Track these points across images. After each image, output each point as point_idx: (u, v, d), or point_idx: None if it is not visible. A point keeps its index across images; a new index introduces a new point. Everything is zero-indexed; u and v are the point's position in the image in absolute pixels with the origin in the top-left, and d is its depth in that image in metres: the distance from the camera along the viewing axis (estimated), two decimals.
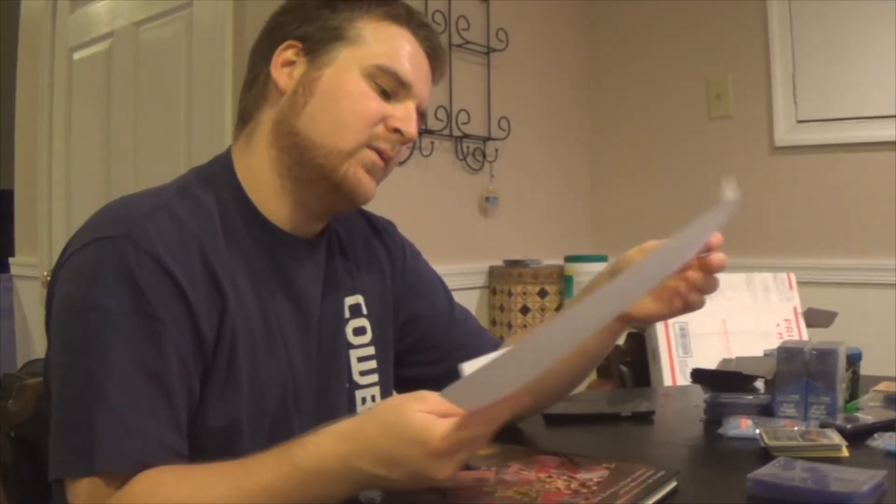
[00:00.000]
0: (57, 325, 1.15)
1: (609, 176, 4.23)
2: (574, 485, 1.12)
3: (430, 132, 3.32)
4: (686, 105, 3.97)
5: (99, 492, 1.06)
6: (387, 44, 1.31)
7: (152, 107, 3.12)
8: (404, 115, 1.31)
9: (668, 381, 2.14)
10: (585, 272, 3.41)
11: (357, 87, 1.28)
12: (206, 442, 1.17)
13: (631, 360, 2.32)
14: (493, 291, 3.57)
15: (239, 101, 1.39)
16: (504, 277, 3.53)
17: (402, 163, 3.15)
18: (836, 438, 1.35)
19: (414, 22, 1.34)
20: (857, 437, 1.40)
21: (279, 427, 1.26)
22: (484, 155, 3.62)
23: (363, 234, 1.51)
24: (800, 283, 2.35)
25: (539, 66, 3.96)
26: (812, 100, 3.63)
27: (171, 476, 1.07)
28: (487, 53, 3.61)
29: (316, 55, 1.30)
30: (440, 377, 1.55)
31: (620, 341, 2.36)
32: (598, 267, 3.41)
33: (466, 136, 3.50)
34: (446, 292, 1.61)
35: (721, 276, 2.29)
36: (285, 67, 1.31)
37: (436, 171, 3.40)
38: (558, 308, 3.45)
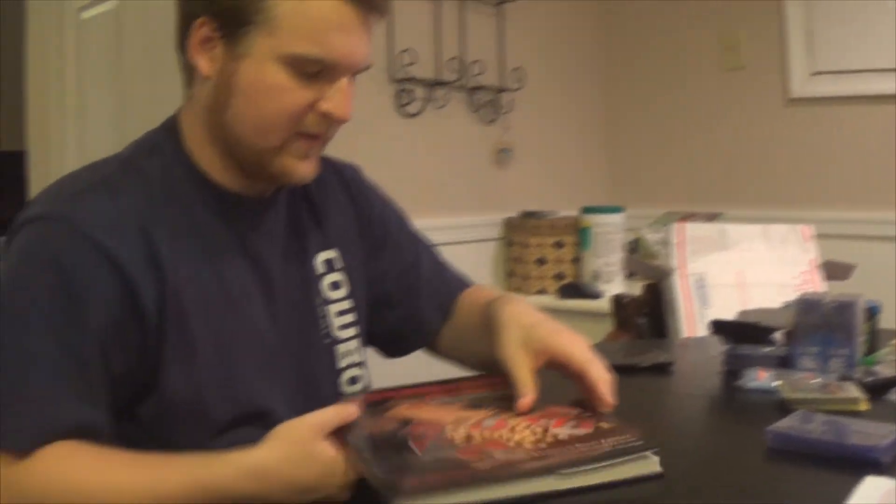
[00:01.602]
0: None
1: (624, 127, 4.20)
2: (548, 439, 1.07)
3: (444, 83, 3.29)
4: (699, 57, 3.93)
5: (4, 467, 1.05)
6: (304, 22, 1.17)
7: (167, 61, 3.09)
8: (335, 94, 1.22)
9: (685, 333, 2.14)
10: (601, 223, 3.40)
11: (276, 81, 1.19)
12: (172, 412, 1.18)
13: (648, 311, 2.32)
14: (509, 243, 3.56)
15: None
16: (520, 229, 3.52)
17: (415, 114, 3.14)
18: (856, 392, 1.35)
19: None
20: (876, 390, 1.40)
21: (251, 390, 1.25)
22: (499, 106, 3.60)
23: (331, 184, 1.47)
24: (817, 236, 2.33)
25: (553, 16, 3.92)
26: (828, 51, 3.58)
27: (83, 457, 1.07)
28: (501, 3, 3.57)
29: (231, 40, 1.20)
30: (403, 330, 1.54)
31: (637, 293, 2.36)
32: (614, 218, 3.41)
33: (480, 87, 3.48)
34: (412, 241, 1.58)
35: (737, 227, 2.30)
36: (204, 45, 1.22)
37: (450, 123, 3.38)
38: (575, 260, 3.46)
